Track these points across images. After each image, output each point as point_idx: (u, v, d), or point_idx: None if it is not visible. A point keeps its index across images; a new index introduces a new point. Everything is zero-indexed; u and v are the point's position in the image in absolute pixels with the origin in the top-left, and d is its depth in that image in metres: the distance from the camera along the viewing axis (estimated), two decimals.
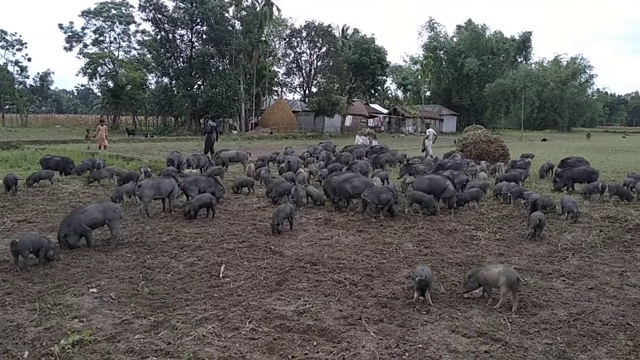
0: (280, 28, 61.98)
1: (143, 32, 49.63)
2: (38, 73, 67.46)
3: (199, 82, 43.97)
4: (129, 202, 10.56)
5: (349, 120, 54.18)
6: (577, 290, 6.04)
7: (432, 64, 65.75)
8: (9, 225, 8.65)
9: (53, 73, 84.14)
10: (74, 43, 49.26)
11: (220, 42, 41.74)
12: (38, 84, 65.58)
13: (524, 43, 75.77)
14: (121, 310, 5.17)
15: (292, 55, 66.60)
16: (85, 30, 49.58)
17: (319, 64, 67.41)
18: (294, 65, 67.52)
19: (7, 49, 55.65)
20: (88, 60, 45.08)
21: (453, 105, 70.27)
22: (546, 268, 6.89)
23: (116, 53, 50.16)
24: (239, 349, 4.39)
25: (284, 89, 69.03)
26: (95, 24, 49.29)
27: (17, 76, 58.92)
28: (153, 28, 43.11)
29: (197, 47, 42.76)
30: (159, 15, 41.37)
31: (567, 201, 9.95)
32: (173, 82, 43.85)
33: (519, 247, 7.99)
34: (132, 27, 50.33)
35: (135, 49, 52.00)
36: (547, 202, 10.24)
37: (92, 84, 50.46)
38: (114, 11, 49.12)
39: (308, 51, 66.45)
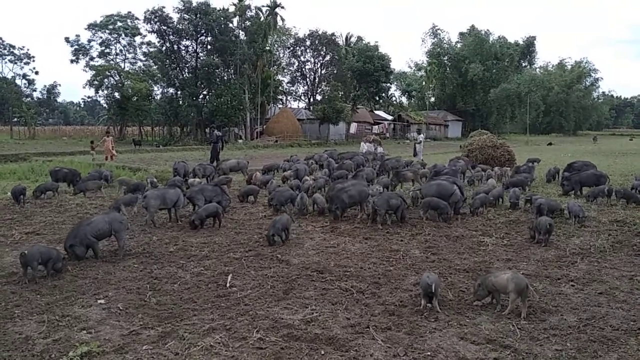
0: (284, 37, 62.25)
1: (148, 43, 50.07)
2: (45, 86, 68.41)
3: (204, 92, 44.18)
4: (131, 213, 10.62)
5: (353, 128, 54.19)
6: (587, 295, 5.99)
7: (436, 70, 65.86)
8: (17, 238, 8.71)
9: (60, 85, 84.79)
10: (81, 56, 49.74)
11: (224, 52, 42.00)
12: (45, 97, 66.38)
13: (528, 48, 75.59)
14: (129, 321, 5.18)
15: (296, 63, 66.84)
16: (92, 43, 50.06)
17: (323, 72, 67.59)
18: (298, 73, 67.76)
19: (15, 63, 56.56)
20: (94, 72, 45.46)
21: (458, 111, 70.17)
22: (555, 273, 6.83)
23: (122, 65, 50.57)
24: (246, 359, 4.39)
25: (288, 98, 69.28)
26: (101, 37, 49.77)
27: (24, 89, 59.78)
28: (158, 39, 43.41)
29: (201, 58, 43.03)
30: (163, 27, 41.69)
31: (573, 205, 9.89)
32: (178, 92, 44.07)
33: (527, 252, 7.94)
34: (138, 39, 50.78)
35: (140, 60, 52.40)
36: (554, 206, 10.17)
37: (99, 96, 50.79)
38: (119, 24, 49.59)
39: (312, 60, 66.62)
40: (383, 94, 55.46)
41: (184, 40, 42.94)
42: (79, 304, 5.67)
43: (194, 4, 41.19)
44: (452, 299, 5.89)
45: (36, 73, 56.90)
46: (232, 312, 5.43)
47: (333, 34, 64.30)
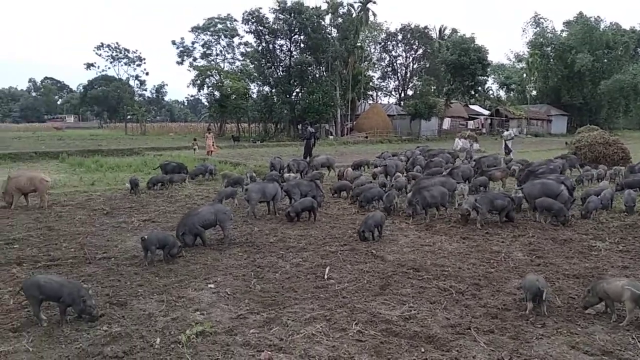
0: (375, 32, 61.93)
1: (246, 44, 52.70)
2: (154, 86, 74.66)
3: (297, 90, 45.44)
4: (232, 205, 11.27)
5: (447, 123, 52.53)
6: None
7: (539, 61, 61.46)
8: (136, 224, 9.66)
9: (167, 85, 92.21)
10: (185, 57, 53.72)
11: (317, 50, 42.85)
12: (154, 96, 72.39)
13: None
14: (236, 305, 5.54)
15: (388, 58, 66.21)
16: (195, 45, 53.88)
17: (414, 66, 66.28)
18: (389, 69, 67.08)
19: (129, 65, 62.35)
20: (197, 72, 48.72)
21: (562, 105, 65.01)
22: None
23: (222, 65, 53.70)
24: (347, 350, 4.50)
25: (378, 93, 68.86)
26: (203, 39, 53.36)
27: (136, 89, 65.73)
28: (255, 40, 45.50)
29: (295, 56, 44.26)
30: (260, 27, 43.52)
31: None
32: (273, 90, 45.80)
33: None
34: (236, 40, 53.73)
35: (238, 60, 55.34)
36: None
37: (201, 95, 54.45)
38: (219, 26, 52.71)
39: (404, 54, 65.62)
40: (479, 88, 52.82)
41: (279, 39, 44.50)
42: (192, 287, 6.16)
43: (289, 4, 42.47)
44: (561, 305, 5.55)
45: (147, 74, 62.58)
46: (331, 304, 5.58)
47: (426, 27, 62.86)
